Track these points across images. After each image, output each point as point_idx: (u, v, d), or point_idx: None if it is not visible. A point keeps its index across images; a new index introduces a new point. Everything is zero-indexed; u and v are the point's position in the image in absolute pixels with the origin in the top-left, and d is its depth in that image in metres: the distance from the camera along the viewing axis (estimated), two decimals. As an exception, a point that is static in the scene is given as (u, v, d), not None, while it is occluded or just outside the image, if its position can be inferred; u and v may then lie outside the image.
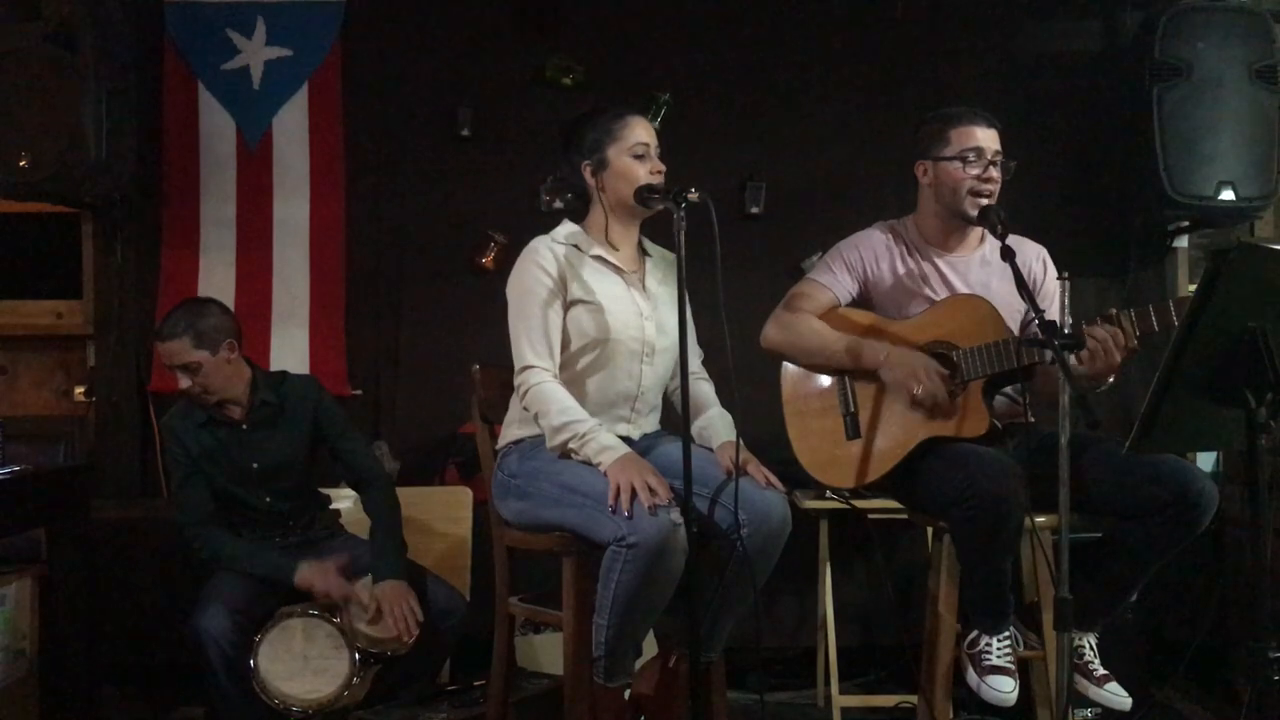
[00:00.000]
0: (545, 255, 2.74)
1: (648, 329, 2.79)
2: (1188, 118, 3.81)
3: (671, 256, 2.93)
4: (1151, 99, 3.83)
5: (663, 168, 2.76)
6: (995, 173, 2.83)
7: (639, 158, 2.74)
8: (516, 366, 2.72)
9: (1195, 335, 2.07)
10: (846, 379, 2.90)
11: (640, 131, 2.76)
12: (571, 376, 2.74)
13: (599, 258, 2.79)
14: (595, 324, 2.72)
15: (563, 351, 2.73)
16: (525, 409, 2.72)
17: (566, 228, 2.83)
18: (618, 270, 2.81)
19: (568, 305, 2.73)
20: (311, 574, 3.04)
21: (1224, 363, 2.09)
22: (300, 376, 3.38)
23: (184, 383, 3.11)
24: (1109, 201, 4.23)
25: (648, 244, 2.93)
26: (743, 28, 4.33)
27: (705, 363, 2.95)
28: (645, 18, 4.32)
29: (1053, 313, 2.67)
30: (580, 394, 2.73)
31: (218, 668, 2.91)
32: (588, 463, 2.60)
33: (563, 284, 2.72)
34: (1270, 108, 3.82)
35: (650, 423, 2.89)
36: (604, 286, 2.76)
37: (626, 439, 2.74)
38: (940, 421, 2.77)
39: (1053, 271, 2.95)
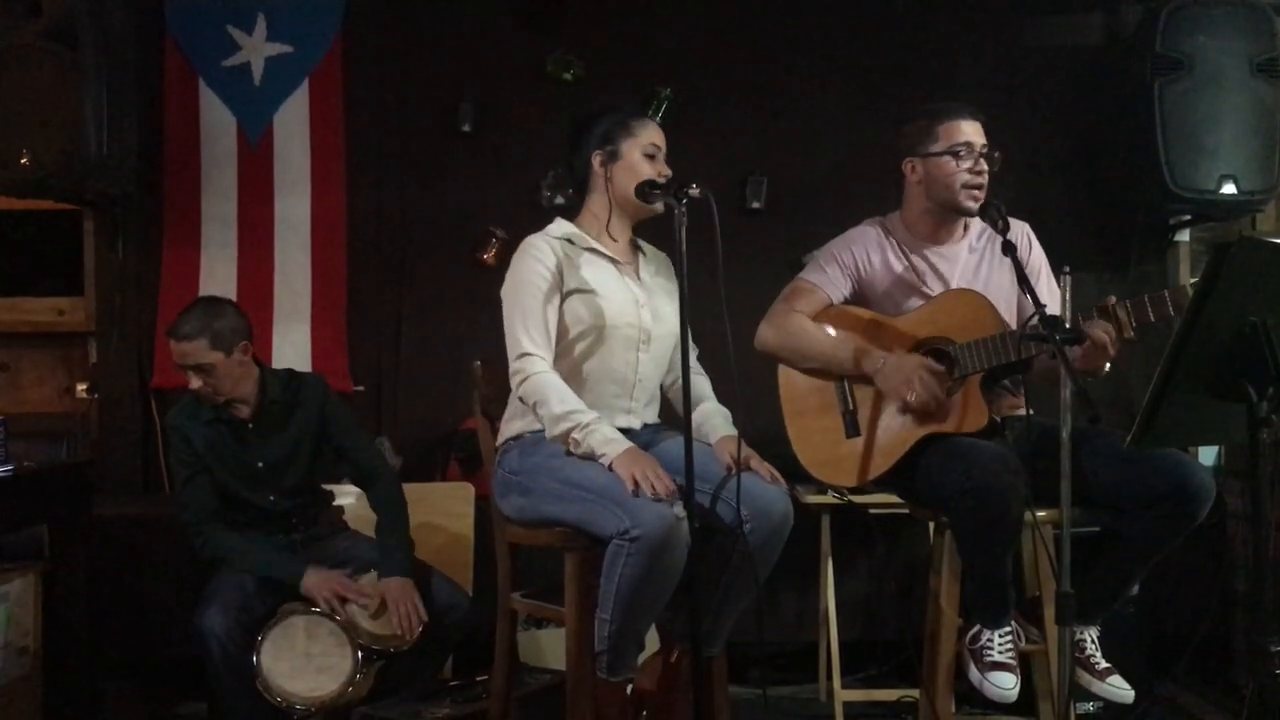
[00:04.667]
0: (543, 249, 2.76)
1: (643, 316, 2.80)
2: (1189, 112, 3.80)
3: (664, 255, 2.97)
4: (1153, 93, 3.82)
5: (669, 173, 2.79)
6: (984, 164, 2.83)
7: (650, 157, 2.78)
8: (512, 354, 2.72)
9: (1197, 329, 2.07)
10: (845, 377, 2.89)
11: (655, 135, 2.81)
12: (570, 365, 2.75)
13: (593, 250, 2.81)
14: (592, 311, 2.74)
15: (560, 340, 2.74)
16: (521, 399, 2.73)
17: (560, 225, 2.85)
18: (612, 261, 2.83)
19: (564, 296, 2.74)
20: (317, 586, 3.02)
21: (1225, 357, 2.09)
22: (307, 375, 3.38)
23: (194, 383, 3.09)
24: (1111, 196, 4.23)
25: (641, 242, 2.95)
26: (744, 22, 4.32)
27: (706, 359, 2.95)
28: (646, 13, 4.32)
29: (1049, 290, 2.68)
30: (578, 383, 2.74)
31: (220, 666, 2.91)
32: (590, 455, 2.60)
33: (559, 277, 2.74)
34: (1272, 101, 3.82)
35: (650, 413, 2.90)
36: (600, 276, 2.78)
37: (628, 430, 2.75)
38: (939, 417, 2.77)
39: (1038, 246, 2.96)
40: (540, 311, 2.71)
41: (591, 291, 2.74)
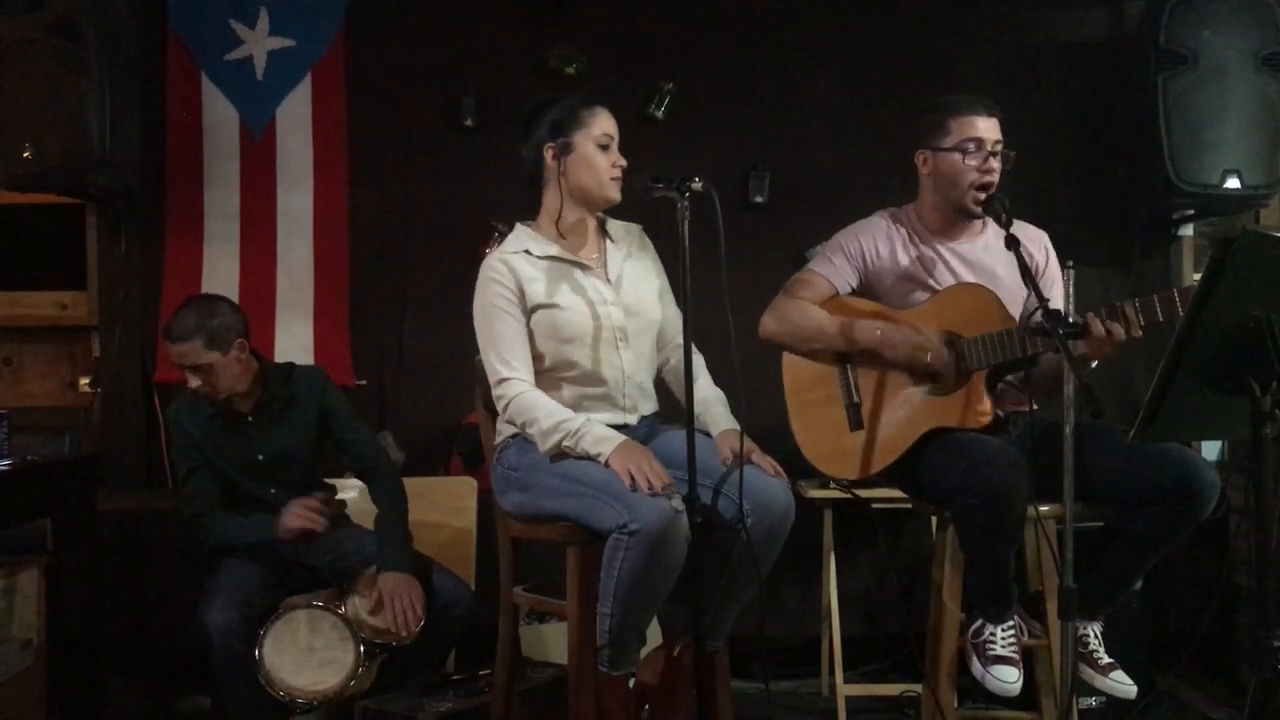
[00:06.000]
0: (500, 270, 2.73)
1: (614, 315, 2.77)
2: (1193, 106, 3.79)
3: (635, 229, 2.93)
4: (1157, 87, 3.82)
5: (624, 163, 2.75)
6: (995, 163, 2.80)
7: (603, 148, 2.74)
8: (492, 381, 2.73)
9: (1200, 324, 2.07)
10: (849, 369, 2.89)
11: (607, 123, 2.76)
12: (553, 381, 2.74)
13: (552, 257, 2.78)
14: (560, 324, 2.72)
15: (537, 358, 2.74)
16: (510, 423, 2.73)
17: (518, 237, 2.82)
18: (574, 264, 2.79)
19: (530, 313, 2.72)
20: (289, 519, 3.06)
21: (1228, 352, 2.09)
22: (307, 368, 3.38)
23: (193, 382, 3.10)
24: (1114, 190, 4.22)
25: (610, 223, 2.91)
26: (746, 16, 4.32)
27: (709, 354, 2.94)
28: (649, 7, 4.32)
29: (1057, 299, 2.67)
30: (565, 392, 2.73)
31: (223, 661, 2.91)
32: (587, 457, 2.60)
33: (521, 295, 2.72)
34: (1276, 96, 3.81)
35: (647, 405, 2.87)
36: (562, 285, 2.75)
37: (624, 427, 2.75)
38: (944, 412, 2.77)
39: (1055, 258, 2.94)
40: (509, 333, 2.70)
41: (555, 305, 2.72)
